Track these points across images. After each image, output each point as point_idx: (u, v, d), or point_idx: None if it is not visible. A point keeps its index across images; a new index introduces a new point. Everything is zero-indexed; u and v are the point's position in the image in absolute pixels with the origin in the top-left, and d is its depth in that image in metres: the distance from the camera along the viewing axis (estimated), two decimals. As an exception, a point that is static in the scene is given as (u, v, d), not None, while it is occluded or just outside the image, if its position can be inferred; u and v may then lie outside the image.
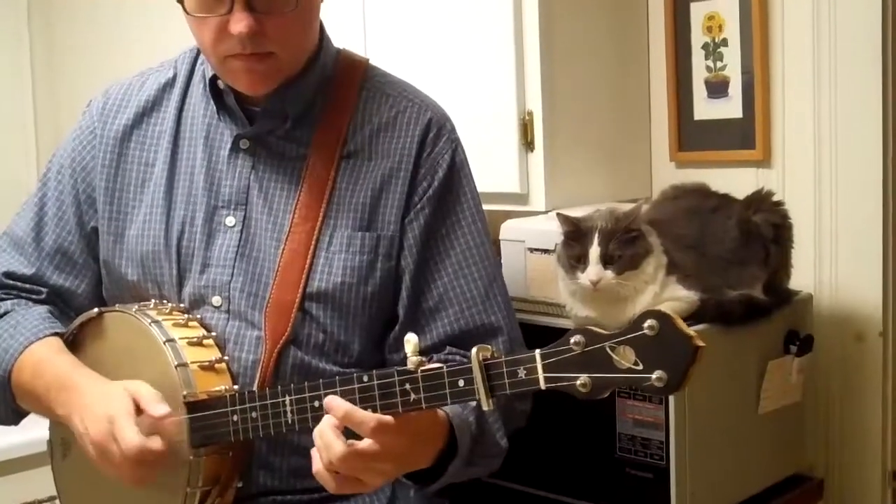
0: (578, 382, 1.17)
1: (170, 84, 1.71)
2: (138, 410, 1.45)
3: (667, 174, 2.34)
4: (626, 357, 1.14)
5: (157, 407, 1.44)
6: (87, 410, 1.48)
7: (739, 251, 1.92)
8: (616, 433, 1.85)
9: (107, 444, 1.44)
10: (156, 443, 1.43)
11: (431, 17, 2.27)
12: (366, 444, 1.31)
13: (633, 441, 1.83)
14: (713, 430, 1.85)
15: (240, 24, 1.47)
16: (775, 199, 2.00)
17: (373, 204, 1.59)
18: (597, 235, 1.79)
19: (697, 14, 2.26)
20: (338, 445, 1.31)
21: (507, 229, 2.09)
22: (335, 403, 1.33)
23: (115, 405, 1.45)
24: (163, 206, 1.64)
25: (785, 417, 2.02)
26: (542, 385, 1.19)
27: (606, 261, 1.78)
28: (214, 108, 1.65)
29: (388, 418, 1.30)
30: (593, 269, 1.78)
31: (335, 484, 1.35)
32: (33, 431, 1.78)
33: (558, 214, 1.85)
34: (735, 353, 1.87)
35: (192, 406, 1.48)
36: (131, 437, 1.42)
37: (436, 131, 1.64)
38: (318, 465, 1.35)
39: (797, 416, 2.07)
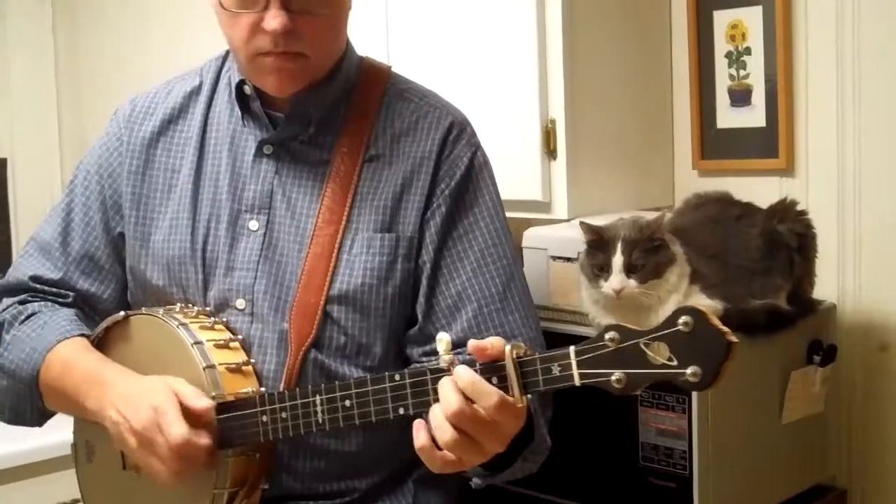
0: (613, 378, 1.17)
1: (195, 92, 1.73)
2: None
3: (689, 182, 2.34)
4: (660, 353, 1.14)
5: (200, 401, 1.46)
6: (126, 401, 1.49)
7: (763, 261, 1.92)
8: (639, 442, 1.85)
9: (152, 434, 1.45)
10: (202, 438, 1.44)
11: (455, 25, 2.28)
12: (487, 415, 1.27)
13: (657, 450, 1.82)
14: (736, 440, 1.84)
15: (274, 20, 1.48)
16: (799, 208, 2.00)
17: (394, 206, 1.60)
18: (620, 244, 1.79)
19: (721, 22, 2.26)
20: (455, 398, 1.26)
21: (530, 237, 2.09)
22: (464, 372, 1.28)
23: (160, 397, 1.46)
24: (188, 211, 1.65)
25: (808, 427, 2.01)
26: (577, 381, 1.19)
27: (630, 270, 1.78)
28: (239, 113, 1.66)
29: (511, 398, 1.26)
30: (616, 279, 1.78)
31: (439, 462, 1.31)
32: (57, 434, 1.79)
33: (581, 223, 1.85)
34: (758, 362, 1.87)
35: (221, 407, 1.49)
36: (179, 429, 1.43)
37: (456, 133, 1.65)
38: (423, 440, 1.31)
39: (820, 427, 2.06)
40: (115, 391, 1.52)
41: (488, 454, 1.32)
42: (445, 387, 1.28)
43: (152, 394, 1.47)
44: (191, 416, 1.45)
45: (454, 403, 1.26)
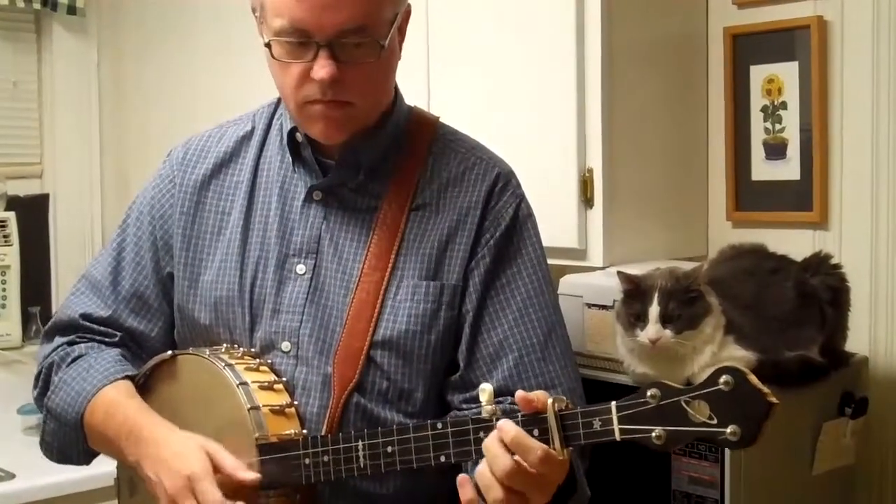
0: (654, 435, 1.19)
1: (248, 136, 1.76)
2: (214, 469, 1.50)
3: (723, 233, 2.37)
4: (700, 411, 1.16)
5: (246, 474, 1.49)
6: (162, 465, 1.52)
7: (797, 313, 1.94)
8: (671, 490, 1.86)
9: (184, 500, 1.48)
10: None
11: (495, 74, 2.33)
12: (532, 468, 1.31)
13: (689, 499, 1.84)
14: (768, 489, 1.86)
15: (322, 70, 1.52)
16: (833, 262, 2.02)
17: (439, 254, 1.63)
18: (657, 294, 1.82)
19: (757, 77, 2.30)
20: (505, 458, 1.30)
21: (566, 284, 2.12)
22: (508, 426, 1.32)
23: (195, 464, 1.49)
24: (237, 253, 1.68)
25: (838, 479, 2.02)
26: (618, 436, 1.22)
27: (666, 320, 1.81)
28: (290, 160, 1.69)
29: (554, 451, 1.30)
30: (652, 328, 1.81)
31: None
32: (101, 466, 1.81)
33: (619, 272, 1.88)
34: (790, 413, 1.87)
35: (264, 448, 1.52)
36: (213, 495, 1.46)
37: (502, 185, 1.68)
38: (469, 495, 1.35)
39: (850, 478, 2.07)
40: (153, 452, 1.55)
41: None
42: (494, 446, 1.31)
43: (187, 460, 1.50)
44: (228, 482, 1.49)
45: (507, 464, 1.30)
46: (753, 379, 1.15)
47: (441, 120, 1.75)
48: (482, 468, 1.33)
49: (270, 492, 1.52)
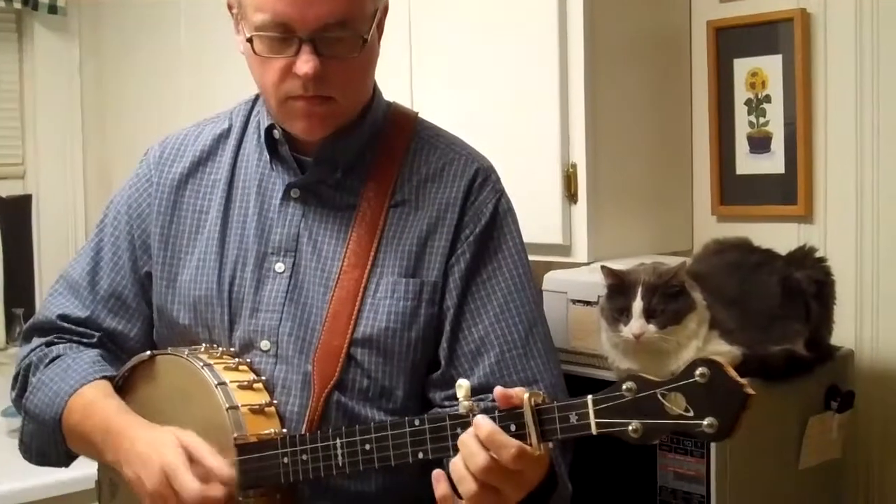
0: (630, 428, 1.19)
1: (225, 135, 1.75)
2: (191, 460, 1.48)
3: (708, 228, 2.37)
4: (677, 404, 1.16)
5: (214, 459, 1.48)
6: (139, 460, 1.51)
7: (782, 307, 1.93)
8: (657, 486, 1.86)
9: (165, 494, 1.47)
10: (215, 490, 1.46)
11: (478, 70, 2.32)
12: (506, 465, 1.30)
13: (675, 495, 1.83)
14: (754, 485, 1.85)
15: (306, 65, 1.51)
16: (818, 255, 2.01)
17: (418, 251, 1.62)
18: (640, 289, 1.81)
19: (741, 70, 2.29)
20: (481, 455, 1.30)
21: (550, 280, 2.11)
22: (484, 422, 1.31)
23: (169, 456, 1.48)
24: (216, 252, 1.67)
25: (825, 473, 2.01)
26: (594, 430, 1.21)
27: (649, 315, 1.80)
28: (268, 157, 1.69)
29: (529, 447, 1.29)
30: (636, 323, 1.80)
31: None
32: (81, 469, 1.81)
33: (602, 267, 1.87)
34: (776, 407, 1.88)
35: (243, 448, 1.51)
36: (192, 486, 1.45)
37: (481, 180, 1.67)
38: (443, 490, 1.35)
39: (837, 472, 2.06)
40: (129, 448, 1.54)
41: (510, 503, 1.33)
42: (469, 441, 1.31)
43: (162, 453, 1.49)
44: (203, 469, 1.48)
45: (482, 460, 1.29)
46: (730, 370, 1.14)
47: (420, 116, 1.74)
48: (456, 460, 1.33)
49: (251, 491, 1.51)
